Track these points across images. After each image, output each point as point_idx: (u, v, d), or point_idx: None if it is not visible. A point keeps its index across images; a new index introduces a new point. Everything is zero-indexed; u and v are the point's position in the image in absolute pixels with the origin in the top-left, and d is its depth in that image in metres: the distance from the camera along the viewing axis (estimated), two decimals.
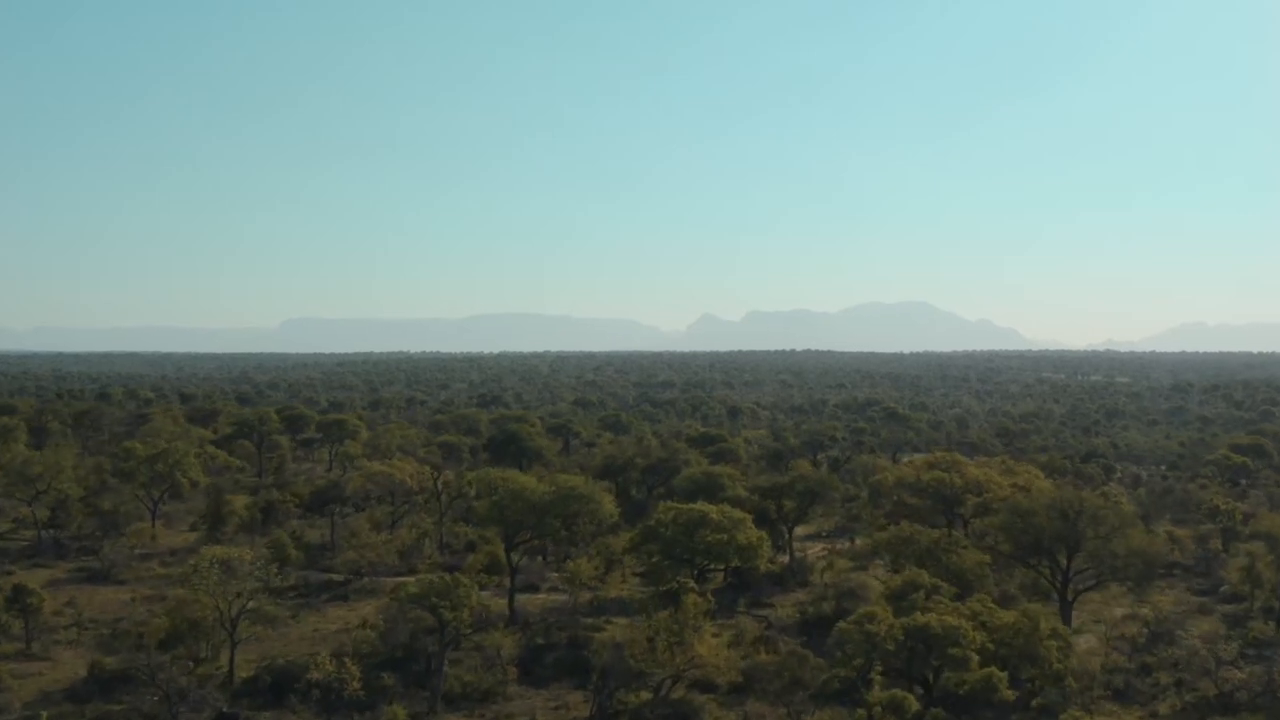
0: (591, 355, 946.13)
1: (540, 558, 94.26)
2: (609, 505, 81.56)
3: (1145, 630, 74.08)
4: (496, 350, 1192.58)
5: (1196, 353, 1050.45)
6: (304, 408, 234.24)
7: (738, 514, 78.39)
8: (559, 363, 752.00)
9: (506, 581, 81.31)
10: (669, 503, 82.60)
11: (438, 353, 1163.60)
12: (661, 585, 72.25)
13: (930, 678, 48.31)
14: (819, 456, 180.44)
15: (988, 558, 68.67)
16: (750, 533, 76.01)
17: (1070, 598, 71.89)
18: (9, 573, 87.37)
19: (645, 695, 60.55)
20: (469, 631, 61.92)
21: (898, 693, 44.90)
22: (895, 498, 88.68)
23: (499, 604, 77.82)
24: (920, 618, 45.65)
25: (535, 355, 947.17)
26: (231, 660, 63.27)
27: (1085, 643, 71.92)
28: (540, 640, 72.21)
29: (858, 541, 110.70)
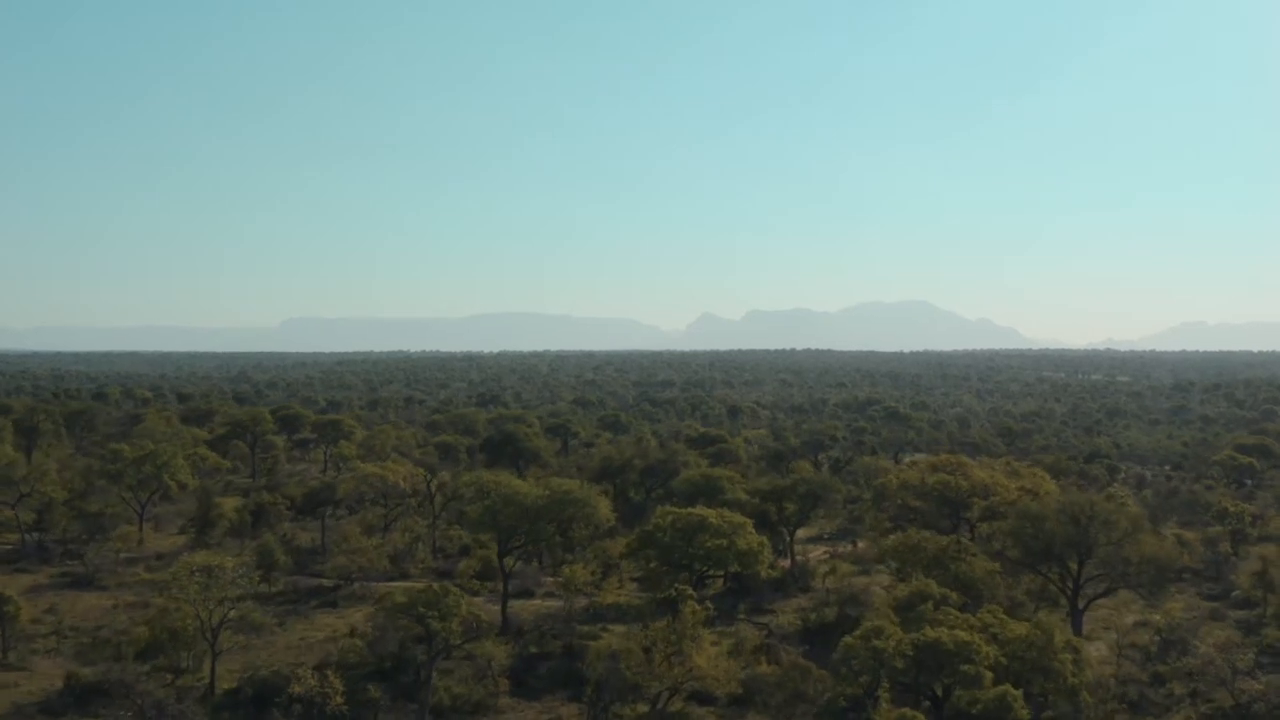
0: (591, 355, 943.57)
1: (536, 561, 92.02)
2: (605, 509, 79.17)
3: (1157, 638, 71.97)
4: (496, 350, 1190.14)
5: (1197, 352, 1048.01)
6: (300, 407, 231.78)
7: (738, 518, 76.07)
8: (559, 362, 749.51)
9: (500, 587, 79.04)
10: (667, 507, 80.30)
11: (438, 352, 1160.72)
12: (659, 593, 69.98)
13: (939, 692, 46.13)
14: (820, 457, 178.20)
15: (998, 566, 66.34)
16: (750, 538, 73.70)
17: (1081, 605, 69.60)
18: None
19: (642, 708, 58.34)
20: (459, 642, 59.59)
21: (907, 711, 42.79)
22: (900, 501, 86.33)
23: (492, 610, 75.64)
24: (930, 633, 43.44)
25: (535, 355, 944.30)
26: (212, 671, 60.96)
27: (1096, 651, 69.70)
28: (534, 649, 70.00)
29: (860, 544, 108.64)
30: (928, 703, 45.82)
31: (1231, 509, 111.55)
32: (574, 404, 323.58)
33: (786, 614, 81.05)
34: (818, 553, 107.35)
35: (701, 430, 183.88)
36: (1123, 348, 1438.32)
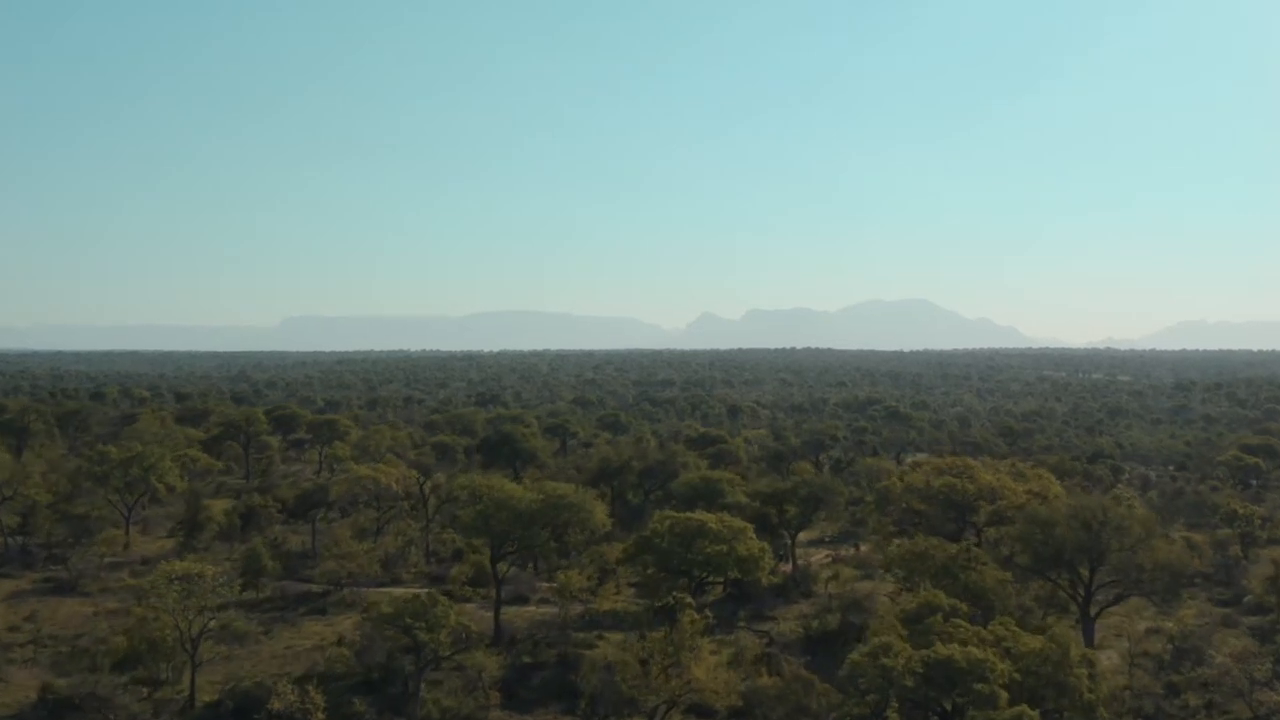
0: (591, 354, 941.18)
1: (531, 566, 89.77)
2: (600, 515, 76.80)
3: (1170, 646, 69.75)
4: (496, 349, 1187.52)
5: (1197, 350, 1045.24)
6: (296, 407, 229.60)
7: (738, 523, 73.77)
8: (558, 361, 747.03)
9: (493, 594, 76.75)
10: (666, 511, 77.98)
11: (438, 351, 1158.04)
12: (657, 600, 67.74)
13: (949, 708, 43.94)
14: (821, 457, 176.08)
15: (1009, 575, 64.08)
16: (751, 543, 71.41)
17: (1093, 613, 67.32)
18: None
19: None
20: (448, 654, 57.32)
21: None
22: (904, 504, 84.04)
23: (485, 618, 73.48)
24: (942, 649, 41.25)
25: (535, 354, 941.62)
26: (192, 683, 58.63)
27: (1107, 660, 67.41)
28: (527, 659, 67.72)
29: (863, 548, 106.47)
30: (937, 719, 43.64)
31: (1241, 511, 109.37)
32: (573, 403, 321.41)
33: (788, 621, 78.84)
34: (819, 556, 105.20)
35: (701, 430, 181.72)
36: (1122, 347, 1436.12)
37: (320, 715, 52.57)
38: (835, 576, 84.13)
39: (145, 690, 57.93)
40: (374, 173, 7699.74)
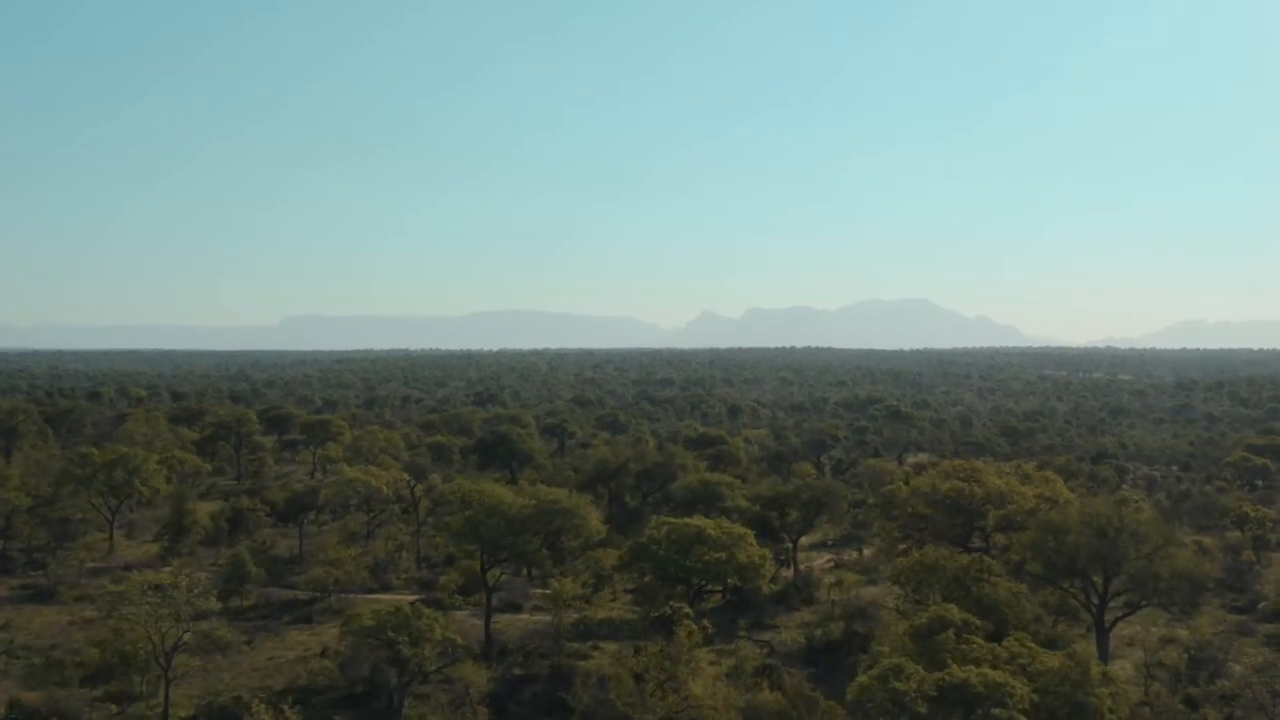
0: (591, 353, 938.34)
1: (525, 572, 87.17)
2: (594, 521, 74.03)
3: (1185, 657, 67.18)
4: (496, 348, 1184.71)
5: (1197, 349, 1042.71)
6: (291, 407, 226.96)
7: (738, 529, 71.05)
8: (558, 360, 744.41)
9: (484, 601, 74.00)
10: (663, 517, 75.24)
11: (437, 350, 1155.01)
12: (653, 610, 65.09)
13: None
14: (822, 458, 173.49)
15: (1023, 587, 61.37)
16: (751, 550, 68.70)
17: (1108, 625, 64.62)
18: None
19: None
20: (433, 669, 54.66)
21: None
22: (910, 509, 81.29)
23: (477, 625, 70.90)
24: (958, 671, 38.64)
25: (534, 353, 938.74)
26: (166, 698, 55.89)
27: (1121, 670, 64.77)
28: (518, 671, 64.99)
29: (866, 552, 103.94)
30: None
31: (1252, 513, 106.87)
32: (572, 403, 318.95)
33: (789, 629, 76.21)
34: (821, 561, 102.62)
35: (701, 430, 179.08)
36: (1122, 346, 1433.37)
37: None
38: (839, 583, 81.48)
39: (115, 706, 55.27)
40: (374, 173, 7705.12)
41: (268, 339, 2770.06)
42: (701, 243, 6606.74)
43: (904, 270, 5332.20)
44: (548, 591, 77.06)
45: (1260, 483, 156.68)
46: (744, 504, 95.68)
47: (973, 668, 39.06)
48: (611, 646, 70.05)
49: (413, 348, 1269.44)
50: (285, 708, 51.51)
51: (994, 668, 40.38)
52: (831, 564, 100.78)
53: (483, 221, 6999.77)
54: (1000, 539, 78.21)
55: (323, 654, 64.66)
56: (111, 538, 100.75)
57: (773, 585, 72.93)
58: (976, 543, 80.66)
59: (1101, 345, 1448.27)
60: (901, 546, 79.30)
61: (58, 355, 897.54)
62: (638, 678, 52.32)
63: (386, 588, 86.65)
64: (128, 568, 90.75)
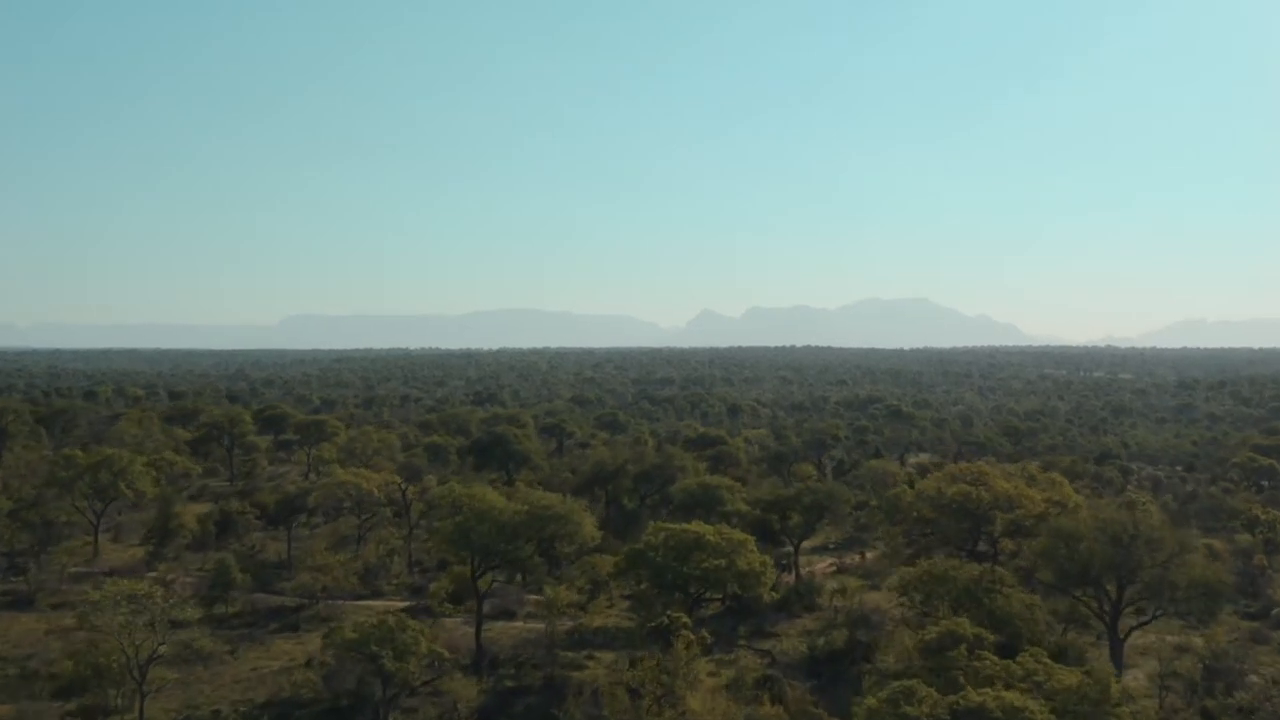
0: (590, 352, 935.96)
1: (519, 578, 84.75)
2: (589, 527, 71.59)
3: (1200, 666, 64.87)
4: (496, 347, 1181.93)
5: (1198, 349, 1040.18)
6: (287, 407, 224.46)
7: (738, 535, 68.67)
8: (557, 359, 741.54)
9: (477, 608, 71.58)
10: (660, 522, 72.88)
11: (437, 349, 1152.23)
12: (650, 620, 62.80)
13: None
14: (823, 459, 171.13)
15: (1037, 599, 59.04)
16: (752, 557, 66.35)
17: (1122, 635, 62.27)
18: None
19: None
20: (418, 684, 52.32)
21: None
22: (915, 513, 78.95)
23: (468, 633, 68.64)
24: (973, 695, 36.38)
25: (534, 352, 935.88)
26: (140, 713, 53.62)
27: (1134, 681, 62.63)
28: (510, 683, 62.65)
29: (869, 555, 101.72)
30: None
31: (1262, 516, 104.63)
32: (572, 402, 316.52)
33: (791, 637, 73.90)
34: (823, 565, 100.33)
35: (701, 430, 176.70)
36: (1122, 345, 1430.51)
37: None
38: (842, 590, 79.13)
39: None
40: (374, 173, 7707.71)
41: (268, 338, 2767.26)
42: (701, 242, 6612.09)
43: (904, 270, 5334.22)
44: (542, 598, 74.72)
45: (1266, 483, 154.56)
46: (744, 508, 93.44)
47: (989, 691, 36.75)
48: (607, 656, 67.85)
49: (412, 347, 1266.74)
50: None
51: (1008, 687, 38.15)
52: (833, 568, 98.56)
53: (483, 221, 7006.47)
54: (1008, 544, 75.94)
55: (307, 664, 62.34)
56: (96, 541, 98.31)
57: (774, 593, 70.57)
58: (983, 547, 78.46)
59: (1101, 344, 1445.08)
60: (908, 551, 77.03)
61: (57, 354, 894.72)
62: (633, 692, 50.18)
63: (377, 594, 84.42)
64: (112, 573, 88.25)
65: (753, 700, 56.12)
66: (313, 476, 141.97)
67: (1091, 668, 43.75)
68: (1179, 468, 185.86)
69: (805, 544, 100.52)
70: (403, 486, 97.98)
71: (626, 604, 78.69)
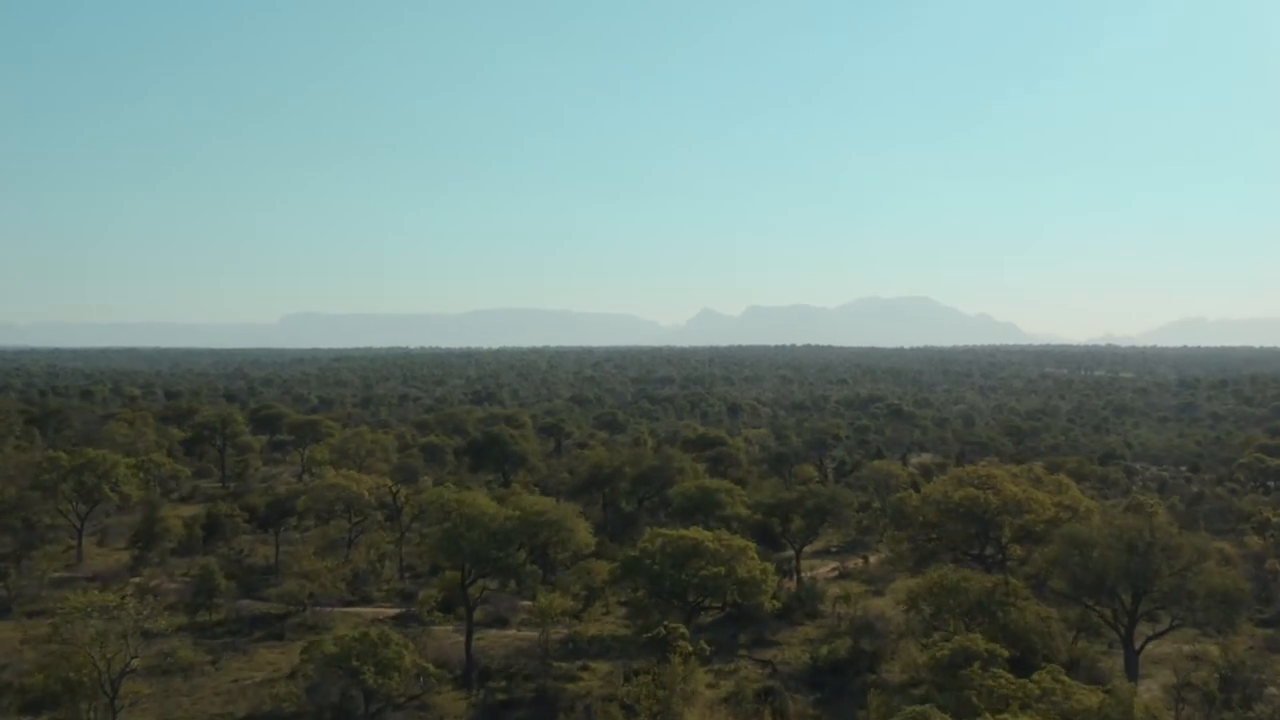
0: (590, 350, 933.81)
1: (512, 583, 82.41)
2: (583, 533, 69.14)
3: (1217, 676, 62.57)
4: (496, 345, 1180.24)
5: (1198, 347, 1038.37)
6: (282, 406, 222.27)
7: (738, 542, 66.31)
8: (557, 358, 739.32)
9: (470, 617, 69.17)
10: (657, 529, 70.40)
11: (437, 348, 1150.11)
12: (647, 631, 60.47)
13: None
14: (824, 459, 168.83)
15: (1053, 612, 56.69)
16: (752, 564, 63.97)
17: (1137, 646, 59.90)
18: None
19: None
20: (402, 700, 49.92)
21: None
22: (921, 518, 76.56)
23: (460, 641, 66.32)
24: (989, 719, 34.09)
25: (534, 351, 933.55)
26: None
27: (1148, 692, 60.31)
28: (501, 696, 60.23)
29: (872, 559, 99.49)
30: None
31: (1274, 519, 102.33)
32: (571, 401, 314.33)
33: (793, 646, 71.57)
34: (825, 569, 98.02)
35: (700, 431, 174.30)
36: (1122, 344, 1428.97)
37: None
38: (845, 597, 76.80)
39: None
40: (374, 172, 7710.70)
41: (268, 337, 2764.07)
42: (701, 241, 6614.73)
43: (904, 269, 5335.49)
44: (536, 604, 72.23)
45: (1274, 484, 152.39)
46: (744, 512, 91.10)
47: (1006, 716, 34.45)
48: (603, 667, 65.61)
49: (412, 346, 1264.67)
50: None
51: (1024, 708, 35.90)
52: (836, 573, 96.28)
53: (483, 220, 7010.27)
54: (1017, 550, 73.58)
55: (290, 676, 59.95)
56: (80, 545, 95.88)
57: (775, 602, 68.21)
58: (990, 551, 76.15)
59: (1101, 343, 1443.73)
60: (912, 557, 74.68)
61: (56, 353, 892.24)
62: (628, 708, 47.93)
63: (366, 600, 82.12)
64: (95, 578, 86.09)
65: (753, 715, 53.97)
66: (306, 478, 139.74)
67: (1113, 686, 41.46)
68: (1183, 468, 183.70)
69: (806, 547, 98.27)
70: (394, 489, 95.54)
71: (623, 610, 76.43)
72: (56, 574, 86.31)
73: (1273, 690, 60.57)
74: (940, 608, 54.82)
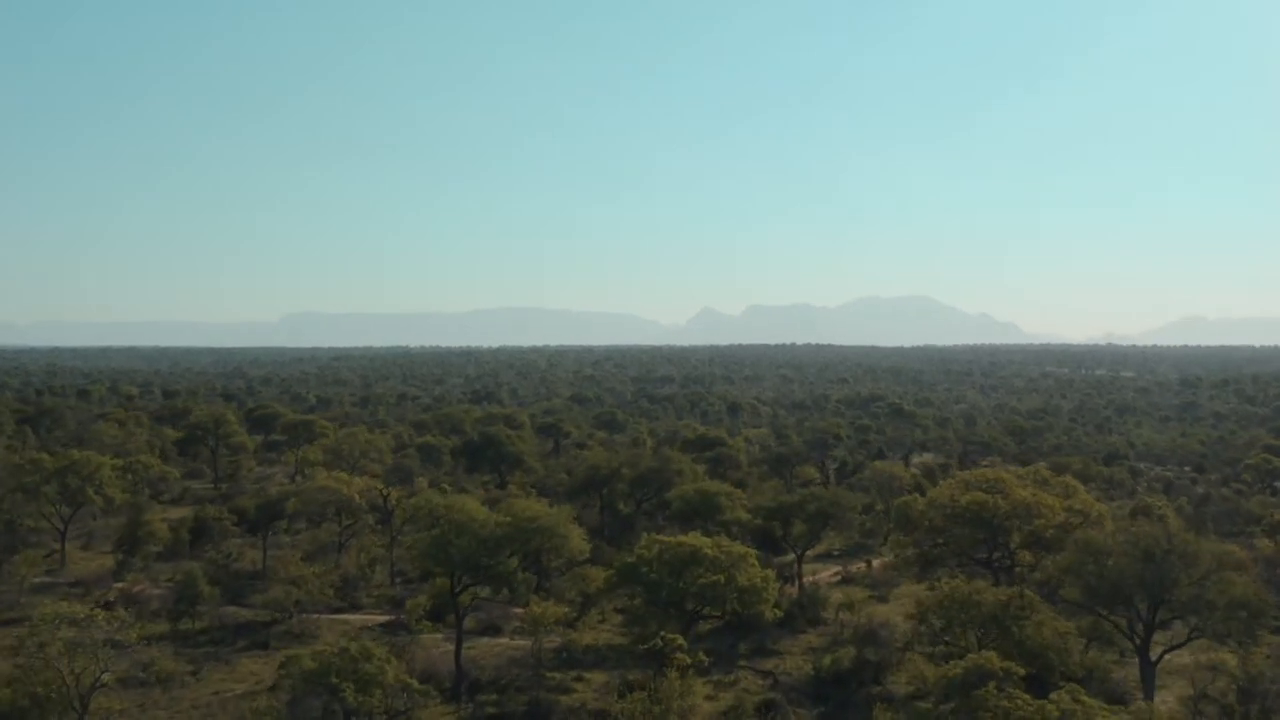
0: (590, 349, 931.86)
1: (505, 590, 79.94)
2: (577, 539, 66.71)
3: (1234, 687, 60.26)
4: (496, 344, 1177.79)
5: (1198, 347, 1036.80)
6: (278, 406, 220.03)
7: (738, 549, 63.93)
8: (557, 357, 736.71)
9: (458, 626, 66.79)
10: (655, 535, 67.97)
11: (437, 347, 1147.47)
12: (643, 641, 58.18)
13: None
14: (825, 460, 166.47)
15: (1071, 626, 54.35)
16: (753, 572, 61.63)
17: (1154, 657, 57.52)
18: None
19: None
20: (385, 718, 47.48)
21: None
22: (927, 522, 74.19)
23: (448, 652, 63.99)
24: None
25: (534, 350, 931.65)
26: None
27: (1164, 705, 58.00)
28: (491, 709, 57.87)
29: (875, 564, 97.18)
30: None
31: None
32: (571, 401, 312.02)
33: (794, 656, 69.20)
34: (828, 574, 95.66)
35: (700, 431, 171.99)
36: (1123, 343, 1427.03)
37: None
38: (848, 604, 74.42)
39: None
40: (374, 172, 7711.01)
41: (269, 336, 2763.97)
42: (702, 240, 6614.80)
43: (904, 268, 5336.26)
44: (530, 612, 69.81)
45: (1277, 484, 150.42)
46: (744, 516, 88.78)
47: None
48: (599, 677, 63.32)
49: (413, 345, 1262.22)
50: None
51: None
52: (838, 577, 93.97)
53: (483, 220, 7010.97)
54: (1026, 556, 71.21)
55: (272, 689, 57.60)
56: (63, 550, 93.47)
57: (777, 610, 65.78)
58: (998, 557, 73.84)
59: (1102, 342, 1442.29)
60: (917, 564, 72.34)
61: (55, 352, 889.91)
62: None
63: (355, 606, 79.83)
64: (77, 583, 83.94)
65: None
66: (299, 479, 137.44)
67: (1137, 707, 39.19)
68: (1188, 468, 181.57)
69: (809, 552, 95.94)
70: (384, 492, 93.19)
71: (619, 618, 74.07)
72: (37, 579, 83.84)
73: None
74: (951, 621, 52.38)
